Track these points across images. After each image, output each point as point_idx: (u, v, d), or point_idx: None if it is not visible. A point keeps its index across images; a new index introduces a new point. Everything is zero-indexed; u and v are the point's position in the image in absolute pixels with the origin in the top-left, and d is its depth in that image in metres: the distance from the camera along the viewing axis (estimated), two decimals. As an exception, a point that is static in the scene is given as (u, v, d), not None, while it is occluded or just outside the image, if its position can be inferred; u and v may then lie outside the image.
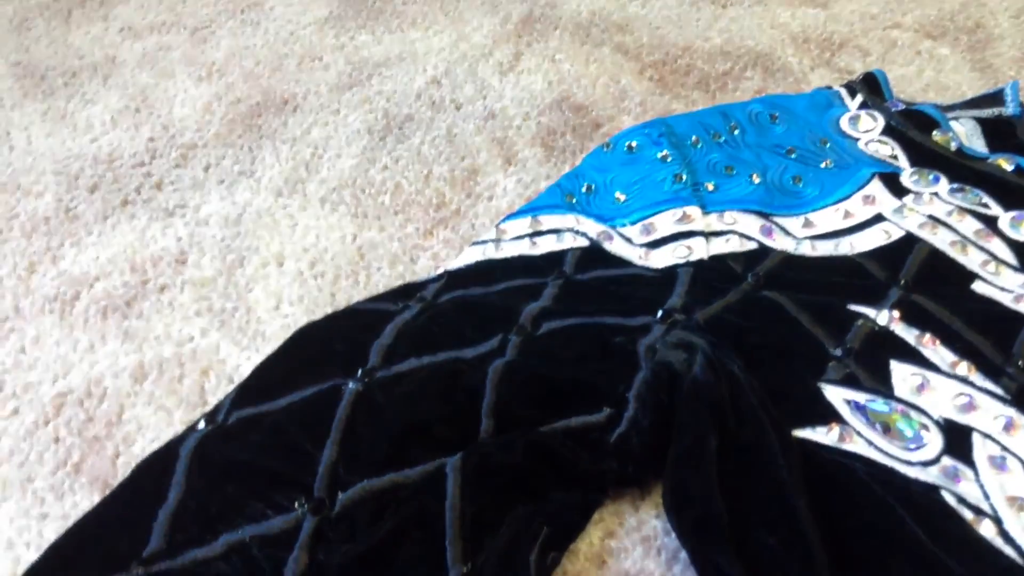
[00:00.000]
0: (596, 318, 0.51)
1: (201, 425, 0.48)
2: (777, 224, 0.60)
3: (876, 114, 0.68)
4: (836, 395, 0.48)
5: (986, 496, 0.43)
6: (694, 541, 0.40)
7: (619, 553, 0.44)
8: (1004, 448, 0.45)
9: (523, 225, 0.61)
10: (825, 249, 0.59)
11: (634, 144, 0.66)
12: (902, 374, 0.49)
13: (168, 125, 0.78)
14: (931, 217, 0.60)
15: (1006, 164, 0.63)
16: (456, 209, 0.67)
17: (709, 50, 0.84)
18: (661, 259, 0.58)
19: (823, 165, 0.65)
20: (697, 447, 0.43)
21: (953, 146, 0.65)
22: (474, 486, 0.43)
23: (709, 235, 0.59)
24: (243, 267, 0.62)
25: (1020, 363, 0.49)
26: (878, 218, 0.60)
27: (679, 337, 0.48)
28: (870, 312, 0.52)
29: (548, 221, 0.62)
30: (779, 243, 0.59)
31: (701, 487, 0.41)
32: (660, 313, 0.51)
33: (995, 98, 0.69)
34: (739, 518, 0.41)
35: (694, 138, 0.67)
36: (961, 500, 0.43)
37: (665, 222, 0.60)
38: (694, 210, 0.61)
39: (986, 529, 0.42)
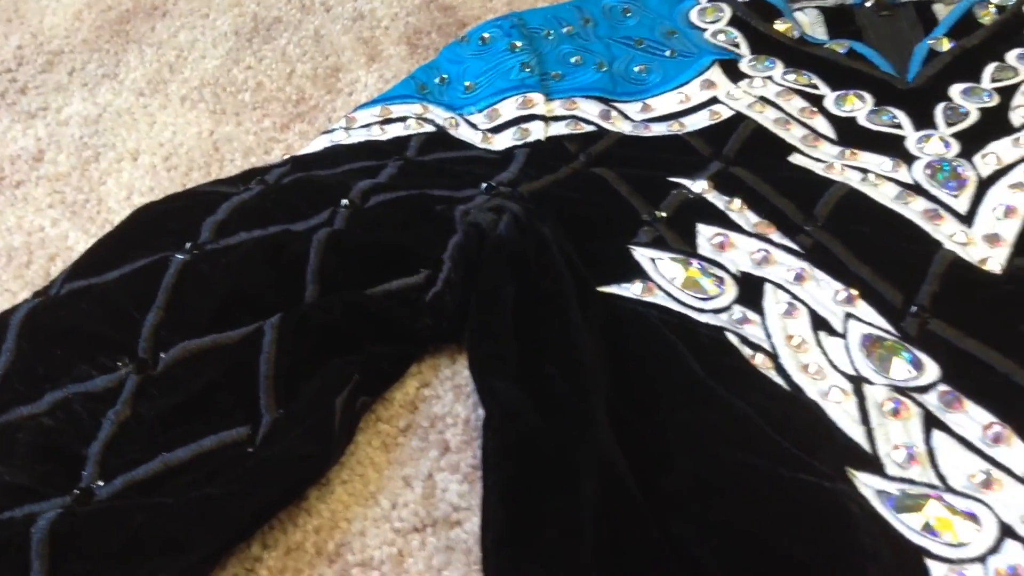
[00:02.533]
0: (424, 191, 0.54)
1: (33, 298, 0.49)
2: (617, 109, 0.63)
3: (723, 5, 0.70)
4: (644, 255, 0.51)
5: (768, 336, 0.47)
6: (480, 371, 0.43)
7: (431, 399, 0.47)
8: (793, 296, 0.49)
9: (373, 113, 0.63)
10: (659, 130, 0.61)
11: (487, 36, 0.68)
12: (707, 235, 0.52)
13: (37, 33, 0.78)
14: (761, 98, 0.63)
15: (839, 48, 0.66)
16: (315, 104, 0.69)
17: (580, -48, 0.85)
18: (502, 142, 0.60)
19: (668, 55, 0.67)
20: (494, 293, 0.46)
21: (795, 34, 0.67)
22: (290, 340, 0.46)
23: (549, 119, 0.62)
24: (98, 162, 0.63)
25: (818, 223, 0.53)
26: (712, 101, 0.63)
27: (493, 203, 0.51)
28: (687, 182, 0.55)
29: (398, 110, 0.64)
30: (616, 126, 0.61)
31: (496, 326, 0.44)
32: (484, 186, 0.54)
33: (839, -11, 0.72)
34: (531, 355, 0.44)
35: (547, 31, 0.69)
36: (744, 340, 0.47)
37: (508, 107, 0.62)
38: (537, 96, 0.63)
39: (761, 362, 0.45)
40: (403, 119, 0.62)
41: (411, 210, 0.52)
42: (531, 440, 0.39)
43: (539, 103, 0.62)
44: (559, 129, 0.61)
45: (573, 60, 0.67)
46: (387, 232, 0.51)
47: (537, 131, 0.60)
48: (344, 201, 0.52)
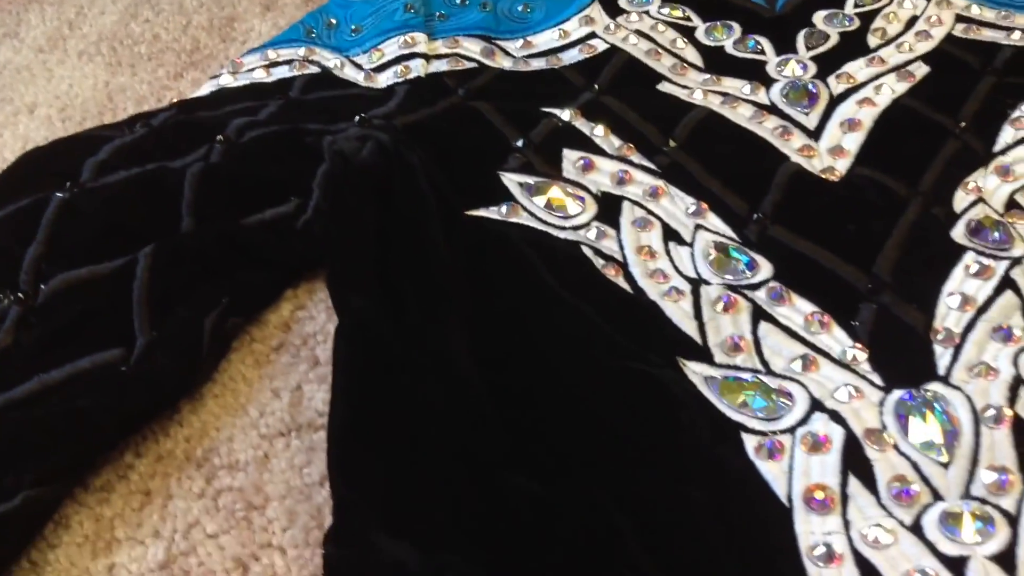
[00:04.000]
0: (299, 125, 0.56)
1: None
2: (498, 46, 0.65)
3: (601, -57, 0.73)
4: (512, 180, 0.54)
5: (621, 248, 0.50)
6: (336, 286, 0.46)
7: (304, 320, 0.49)
8: (648, 211, 0.52)
9: (260, 58, 0.65)
10: (537, 65, 0.64)
11: (374, -19, 0.70)
12: (571, 159, 0.55)
13: (-62, -4, 0.78)
14: (637, 31, 0.65)
15: (712, -19, 0.68)
16: (209, 53, 0.70)
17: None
18: (384, 80, 0.62)
19: (541, -8, 0.70)
20: (355, 214, 0.48)
21: (673, -30, 0.70)
22: (163, 268, 0.48)
23: (431, 57, 0.64)
24: (-7, 116, 0.65)
25: (676, 144, 0.55)
26: (591, 36, 0.65)
27: (360, 132, 0.53)
28: (556, 112, 0.58)
29: (284, 53, 0.65)
30: (497, 62, 0.64)
31: (354, 245, 0.47)
32: (358, 118, 0.56)
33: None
34: (387, 272, 0.46)
35: (434, -25, 0.71)
36: (598, 252, 0.49)
37: (391, 47, 0.64)
38: (419, 36, 0.65)
39: (611, 272, 0.48)
40: (289, 62, 0.64)
41: (283, 143, 0.54)
42: (378, 345, 0.42)
43: (421, 42, 0.64)
44: (440, 66, 0.63)
45: (458, 1, 0.69)
46: (259, 164, 0.53)
47: (417, 68, 0.62)
48: (219, 137, 0.54)
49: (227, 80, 0.63)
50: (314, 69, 0.64)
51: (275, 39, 0.67)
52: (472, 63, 0.64)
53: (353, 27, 0.67)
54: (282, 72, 0.64)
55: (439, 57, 0.64)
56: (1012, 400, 0.39)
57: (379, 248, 0.47)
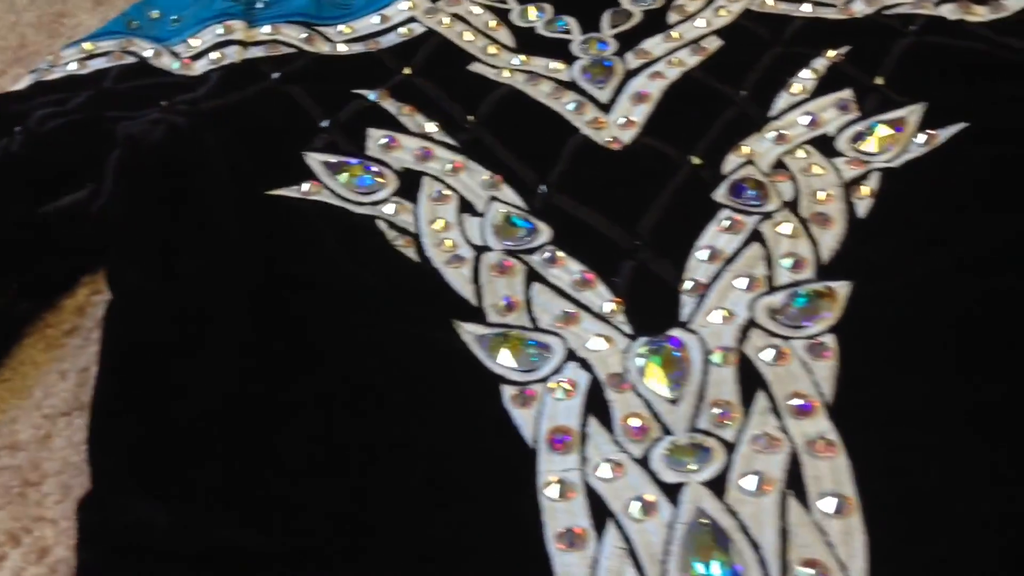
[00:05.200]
0: (101, 113, 0.56)
1: None
2: (319, 32, 0.67)
3: (432, -68, 0.74)
4: (315, 159, 0.55)
5: (416, 220, 0.52)
6: (112, 259, 0.47)
7: (100, 304, 0.50)
8: (447, 186, 0.54)
9: (77, 51, 0.65)
10: (356, 49, 0.65)
11: (197, -28, 0.71)
12: (375, 137, 0.57)
13: None
14: (454, 15, 0.67)
15: (530, -34, 0.71)
16: (35, 50, 0.70)
17: None
18: (199, 67, 0.63)
19: (374, -20, 0.71)
20: (138, 193, 0.49)
21: (496, -45, 0.72)
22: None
23: (249, 44, 0.65)
24: None
25: (478, 120, 0.58)
26: (410, 20, 0.67)
27: (154, 117, 0.54)
28: (366, 93, 0.60)
29: (103, 45, 0.66)
30: (316, 47, 0.65)
31: (135, 219, 0.48)
32: (163, 104, 0.57)
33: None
34: (172, 246, 0.48)
35: (261, -36, 0.72)
36: (392, 225, 0.51)
37: (208, 35, 0.65)
38: (237, 23, 0.66)
39: (402, 243, 0.50)
40: (106, 54, 0.65)
41: (81, 131, 0.54)
42: (148, 319, 0.43)
43: (238, 29, 0.65)
44: (257, 52, 0.64)
45: (283, -10, 0.70)
46: (56, 152, 0.53)
47: (232, 55, 0.63)
48: (17, 128, 0.54)
49: (45, 73, 0.64)
50: (130, 59, 0.64)
51: (95, 32, 0.67)
52: (291, 49, 0.65)
53: (174, 17, 0.68)
54: (99, 64, 0.64)
55: (257, 44, 0.65)
56: (741, 341, 0.42)
57: (163, 227, 0.48)
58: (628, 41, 0.63)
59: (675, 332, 0.43)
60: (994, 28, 0.59)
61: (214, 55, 0.63)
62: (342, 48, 0.65)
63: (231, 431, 0.40)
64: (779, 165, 0.52)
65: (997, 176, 0.48)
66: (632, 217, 0.49)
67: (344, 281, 0.47)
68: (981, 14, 0.61)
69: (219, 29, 0.65)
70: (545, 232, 0.50)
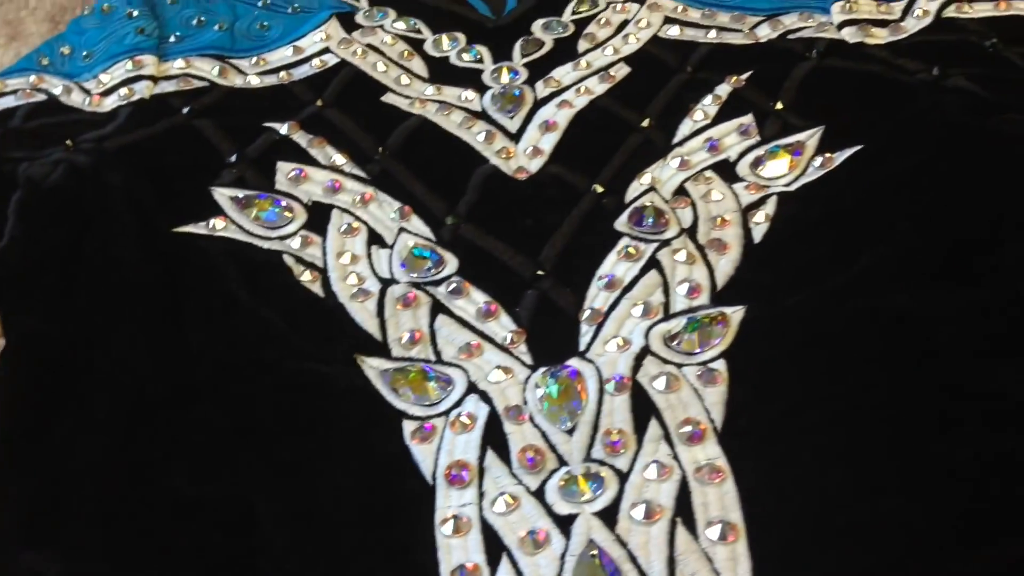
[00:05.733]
0: (4, 154, 0.56)
1: None
2: (232, 65, 0.66)
3: (349, -38, 0.75)
4: (223, 195, 0.55)
5: (324, 254, 0.52)
6: (7, 308, 0.46)
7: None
8: (356, 218, 0.54)
9: (-16, 89, 0.64)
10: (269, 81, 0.65)
11: (108, 7, 0.70)
12: (284, 171, 0.57)
13: None
14: (368, 46, 0.67)
15: (450, -6, 0.72)
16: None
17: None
18: (108, 104, 0.63)
19: (291, 11, 0.71)
20: (36, 235, 0.49)
21: (413, -15, 0.73)
22: None
23: (160, 79, 0.64)
24: None
25: (388, 151, 0.58)
26: (324, 51, 0.68)
27: (56, 157, 0.54)
28: (276, 126, 0.60)
29: (12, 83, 0.65)
30: (229, 80, 0.65)
31: (32, 261, 0.48)
32: (68, 143, 0.57)
33: (456, -60, 0.78)
34: (72, 287, 0.47)
35: (173, -4, 0.72)
36: (299, 260, 0.51)
37: (118, 71, 0.65)
38: (147, 58, 0.65)
39: (308, 278, 0.50)
40: (15, 91, 0.64)
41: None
42: (43, 363, 0.43)
43: (149, 64, 0.65)
44: (167, 87, 0.64)
45: (195, 22, 0.70)
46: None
47: (142, 90, 0.63)
48: (-83, 172, 0.54)
49: (-51, 113, 0.63)
50: (40, 97, 0.63)
51: (6, 69, 0.67)
52: (203, 82, 0.65)
53: (85, 53, 0.67)
54: (7, 102, 0.63)
55: (168, 78, 0.65)
56: (636, 369, 0.43)
57: (61, 270, 0.48)
58: (539, 70, 0.64)
59: (572, 362, 0.44)
60: (891, 50, 0.61)
61: (123, 91, 0.63)
62: (254, 80, 0.65)
63: (122, 477, 0.40)
64: (681, 191, 0.53)
65: (886, 196, 0.50)
66: (536, 246, 0.50)
67: (244, 319, 0.47)
68: (880, 36, 0.63)
69: (128, 64, 0.65)
70: (452, 263, 0.50)
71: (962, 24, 0.63)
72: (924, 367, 0.41)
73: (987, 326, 0.42)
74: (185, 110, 0.62)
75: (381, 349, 0.46)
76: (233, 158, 0.57)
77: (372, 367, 0.45)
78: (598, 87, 0.62)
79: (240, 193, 0.55)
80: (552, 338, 0.45)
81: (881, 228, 0.47)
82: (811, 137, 0.55)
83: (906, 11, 0.64)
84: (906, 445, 0.38)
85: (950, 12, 0.64)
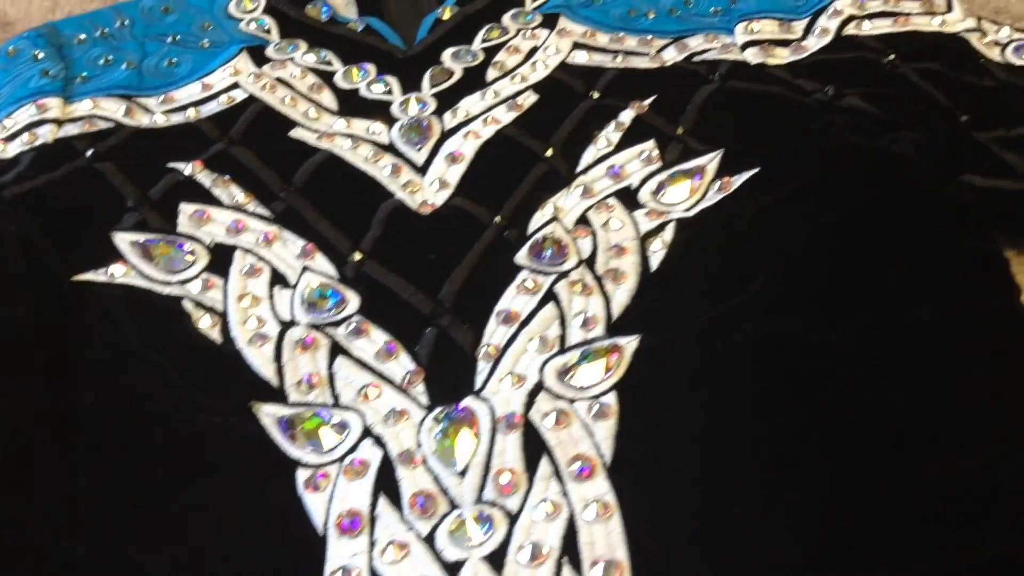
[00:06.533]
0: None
1: None
2: (139, 104, 0.66)
3: (260, -5, 0.75)
4: (124, 240, 0.54)
5: (224, 298, 0.51)
6: None
7: None
8: (260, 258, 0.54)
9: None
10: (176, 120, 0.65)
11: (13, 49, 0.69)
12: (187, 212, 0.56)
13: None
14: (278, 80, 0.67)
15: (357, 26, 0.71)
16: None
17: (153, -46, 0.87)
18: (12, 149, 0.62)
19: (201, 46, 0.71)
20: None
21: (323, 16, 0.73)
22: None
23: (64, 122, 0.63)
24: None
25: (293, 188, 0.58)
26: (233, 87, 0.67)
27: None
28: (180, 166, 0.59)
29: (-88, 131, 0.64)
30: (135, 120, 0.64)
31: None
32: (-35, 194, 0.56)
33: (369, -30, 0.78)
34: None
35: (80, 36, 0.71)
36: (199, 304, 0.51)
37: (22, 115, 0.63)
38: (52, 101, 0.64)
39: (207, 323, 0.50)
40: (-85, 140, 0.63)
41: None
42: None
43: (53, 107, 0.64)
44: (72, 130, 0.63)
45: (102, 62, 0.69)
46: None
47: (45, 135, 0.62)
48: None
49: None
50: (-61, 144, 0.62)
51: (-92, 117, 0.65)
52: (108, 123, 0.64)
53: (-11, 98, 0.66)
54: (-91, 151, 0.62)
55: (73, 120, 0.64)
56: (529, 406, 0.43)
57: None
58: (448, 100, 0.64)
59: (467, 401, 0.44)
60: (791, 70, 0.62)
61: (26, 136, 0.62)
62: (161, 120, 0.64)
63: (4, 537, 0.39)
64: (583, 220, 0.54)
65: (779, 220, 0.50)
66: (438, 282, 0.50)
67: (136, 371, 0.46)
68: (781, 56, 0.64)
69: (32, 109, 0.63)
70: (353, 302, 0.50)
71: (861, 41, 0.64)
72: (814, 393, 0.41)
73: (874, 351, 0.42)
74: (88, 153, 0.61)
75: (278, 395, 0.46)
76: (135, 201, 0.57)
77: (267, 415, 0.44)
78: (505, 116, 0.62)
79: (141, 237, 0.54)
80: (450, 377, 0.45)
81: (773, 252, 0.48)
82: (711, 161, 0.55)
83: (808, 30, 0.66)
84: (796, 474, 0.39)
85: (850, 30, 0.65)
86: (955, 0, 0.67)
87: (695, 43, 0.66)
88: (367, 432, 0.43)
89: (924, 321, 0.42)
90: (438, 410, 0.43)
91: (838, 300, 0.45)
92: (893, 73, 0.60)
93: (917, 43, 0.63)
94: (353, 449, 0.43)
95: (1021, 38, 0.64)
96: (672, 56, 0.65)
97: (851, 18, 0.66)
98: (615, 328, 0.46)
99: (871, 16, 0.66)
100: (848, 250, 0.47)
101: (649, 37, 0.67)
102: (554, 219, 0.53)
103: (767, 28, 0.66)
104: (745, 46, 0.65)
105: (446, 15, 0.71)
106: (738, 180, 0.54)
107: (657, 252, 0.50)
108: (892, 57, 0.61)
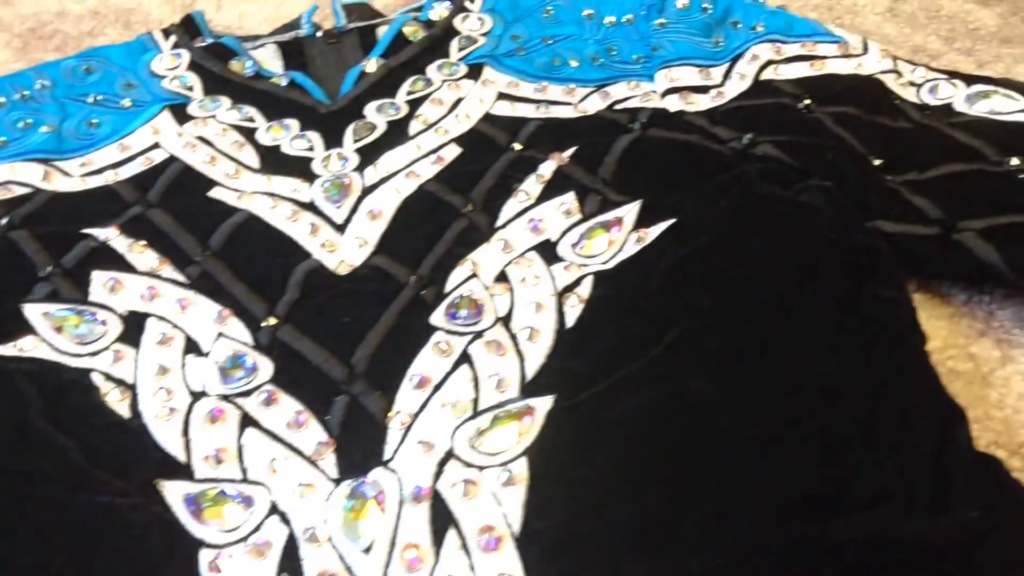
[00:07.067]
0: None
1: None
2: (57, 168, 0.64)
3: (183, 52, 0.74)
4: (34, 311, 0.53)
5: (136, 368, 0.50)
6: None
7: None
8: (174, 325, 0.53)
9: None
10: (95, 183, 0.64)
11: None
12: (100, 280, 0.55)
13: None
14: (199, 138, 0.66)
15: (281, 81, 0.71)
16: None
17: (80, 13, 0.87)
18: (-77, 222, 0.60)
19: (122, 106, 0.70)
20: None
21: (249, 72, 0.72)
22: None
23: (-24, 190, 0.62)
24: None
25: (209, 251, 0.57)
26: (153, 147, 0.66)
27: None
28: (95, 232, 0.58)
29: None
30: (54, 185, 0.63)
31: None
32: None
33: (295, 24, 0.78)
34: None
35: (0, 99, 0.70)
36: (109, 377, 0.50)
37: (-67, 185, 0.63)
38: (-39, 170, 0.63)
39: (115, 397, 0.48)
40: None
41: None
42: None
43: (-33, 176, 0.63)
44: (-13, 198, 0.62)
45: (21, 125, 0.68)
46: None
47: (-43, 204, 0.61)
48: None
49: None
50: None
51: None
52: (26, 188, 0.63)
53: (-91, 169, 0.65)
54: None
55: (-12, 188, 0.63)
56: (437, 475, 0.42)
57: None
58: (370, 155, 0.63)
59: (374, 473, 0.43)
60: (709, 117, 0.63)
61: (-63, 208, 0.61)
62: (79, 183, 0.63)
63: None
64: (502, 276, 0.53)
65: (691, 273, 0.50)
66: (351, 347, 0.49)
67: (39, 451, 0.45)
68: (701, 103, 0.65)
69: (-61, 181, 0.62)
70: (266, 370, 0.49)
71: (778, 86, 0.65)
72: (712, 458, 0.41)
73: (776, 412, 0.42)
74: (3, 221, 0.60)
75: (184, 471, 0.45)
76: (47, 270, 0.55)
77: (172, 492, 0.43)
78: (427, 170, 0.62)
79: (52, 308, 0.53)
80: (359, 447, 0.44)
81: (684, 308, 0.48)
82: (628, 212, 0.55)
83: (726, 75, 0.66)
84: (692, 546, 0.38)
85: (767, 74, 0.66)
86: (871, 42, 0.68)
87: (617, 91, 0.66)
88: (274, 508, 0.42)
89: (827, 378, 0.42)
90: (345, 484, 0.42)
91: (743, 359, 0.44)
92: (807, 118, 0.61)
93: (833, 86, 0.64)
94: (258, 528, 0.41)
95: (936, 78, 0.65)
96: (595, 105, 0.66)
97: (769, 63, 0.67)
98: (529, 389, 0.46)
99: (788, 60, 0.67)
100: (755, 305, 0.46)
101: (572, 86, 0.68)
102: (473, 276, 0.53)
103: (687, 75, 0.66)
104: (666, 93, 0.65)
105: (371, 67, 0.71)
106: (655, 232, 0.54)
107: (574, 308, 0.50)
108: (808, 102, 0.62)
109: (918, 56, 0.74)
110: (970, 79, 0.65)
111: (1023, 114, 0.60)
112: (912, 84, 0.65)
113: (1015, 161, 0.56)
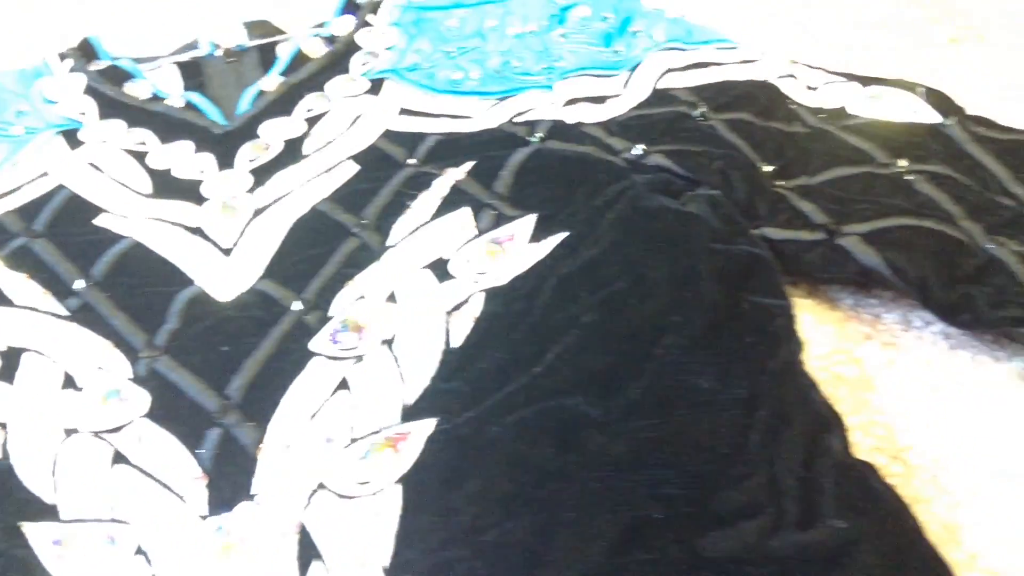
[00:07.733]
0: None
1: None
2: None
3: (79, 75, 0.72)
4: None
5: (9, 407, 0.48)
6: None
7: None
8: (52, 360, 0.51)
9: None
10: (-17, 216, 0.62)
11: None
12: (-25, 319, 0.53)
13: None
14: (90, 164, 0.65)
15: (177, 102, 0.69)
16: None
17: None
18: None
19: (14, 132, 0.68)
20: None
21: (147, 94, 0.70)
22: None
23: None
24: None
25: (92, 281, 0.55)
26: (43, 175, 0.64)
27: None
28: (-22, 268, 0.56)
29: None
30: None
31: None
32: None
33: (194, 43, 0.76)
34: None
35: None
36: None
37: None
38: None
39: (-18, 438, 0.47)
40: None
41: None
42: None
43: None
44: None
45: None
46: None
47: None
48: None
49: None
50: None
51: None
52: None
53: None
54: None
55: None
56: (307, 507, 0.41)
57: None
58: (262, 175, 0.62)
59: (241, 508, 0.41)
60: (606, 128, 0.62)
61: None
62: (-22, 219, 0.61)
63: None
64: (391, 297, 0.52)
65: (577, 288, 0.49)
66: (228, 377, 0.48)
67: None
68: (599, 114, 0.64)
69: None
70: (143, 403, 0.48)
71: (675, 94, 0.64)
72: (586, 474, 0.40)
73: (648, 427, 0.41)
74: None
75: (49, 512, 0.43)
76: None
77: (37, 535, 0.42)
78: (321, 190, 0.60)
79: (-79, 350, 0.51)
80: (230, 481, 0.43)
81: (567, 324, 0.47)
82: (523, 227, 0.55)
83: (626, 85, 0.66)
84: (570, 560, 0.37)
85: (666, 83, 0.65)
86: (769, 47, 0.68)
87: (518, 103, 0.65)
88: (138, 549, 0.41)
89: (700, 391, 0.42)
90: (211, 520, 0.41)
91: (618, 374, 0.44)
92: (701, 126, 0.60)
93: (729, 92, 0.63)
94: (122, 568, 0.40)
95: (832, 80, 0.65)
96: (496, 118, 0.64)
97: (668, 71, 0.66)
98: (410, 413, 0.45)
99: (686, 68, 0.66)
100: (635, 318, 0.46)
101: (474, 99, 0.67)
102: (361, 298, 0.52)
103: (587, 85, 0.66)
104: (566, 103, 0.65)
105: (270, 86, 0.69)
106: (546, 246, 0.53)
107: (462, 327, 0.49)
108: (703, 109, 0.62)
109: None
110: (867, 80, 0.65)
111: (916, 115, 0.61)
112: (809, 88, 0.65)
113: (903, 163, 0.56)
